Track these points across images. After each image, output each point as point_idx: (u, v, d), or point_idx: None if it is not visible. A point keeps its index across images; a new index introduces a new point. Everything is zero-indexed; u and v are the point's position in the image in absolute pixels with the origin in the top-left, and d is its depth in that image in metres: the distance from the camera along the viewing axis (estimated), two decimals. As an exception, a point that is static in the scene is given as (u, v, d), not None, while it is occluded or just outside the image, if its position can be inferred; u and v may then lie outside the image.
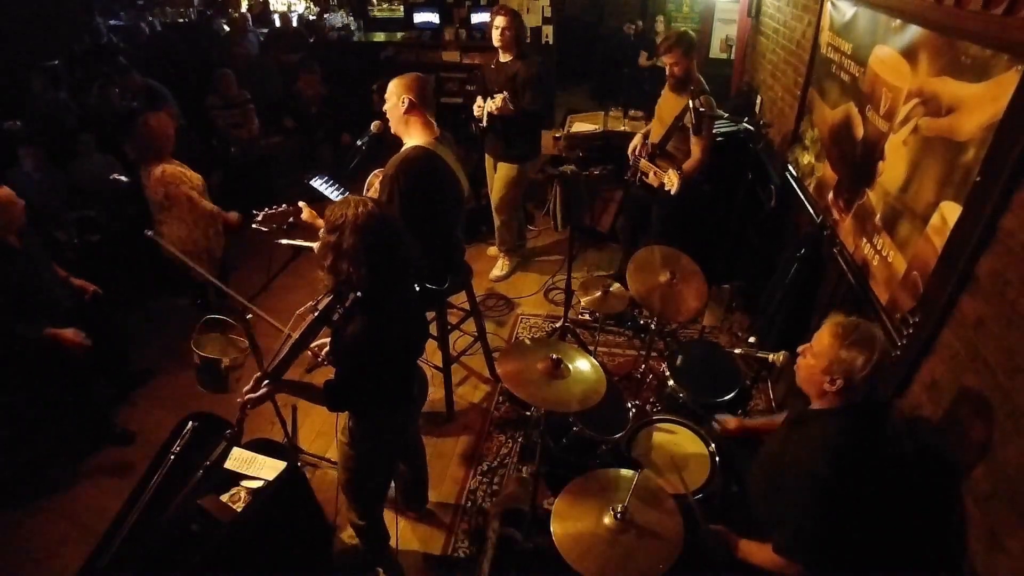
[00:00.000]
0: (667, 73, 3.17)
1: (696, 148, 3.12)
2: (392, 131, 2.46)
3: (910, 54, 2.00)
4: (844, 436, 1.51)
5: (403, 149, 2.37)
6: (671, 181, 2.92)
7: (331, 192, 2.70)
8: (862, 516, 1.55)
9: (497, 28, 3.48)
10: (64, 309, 2.65)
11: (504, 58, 3.57)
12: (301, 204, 2.36)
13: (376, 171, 2.54)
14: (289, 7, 9.42)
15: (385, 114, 2.42)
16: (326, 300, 1.70)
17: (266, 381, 1.70)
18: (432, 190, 2.39)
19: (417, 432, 2.32)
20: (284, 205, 2.33)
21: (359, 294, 1.62)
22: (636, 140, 3.47)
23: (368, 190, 2.52)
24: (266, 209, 2.30)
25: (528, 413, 2.87)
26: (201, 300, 3.67)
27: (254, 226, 2.30)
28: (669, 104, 3.24)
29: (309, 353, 1.91)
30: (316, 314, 1.71)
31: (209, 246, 3.36)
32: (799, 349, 1.64)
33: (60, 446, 2.85)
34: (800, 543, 1.52)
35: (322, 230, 1.61)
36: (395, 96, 2.36)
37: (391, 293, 1.66)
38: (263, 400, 1.72)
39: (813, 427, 1.59)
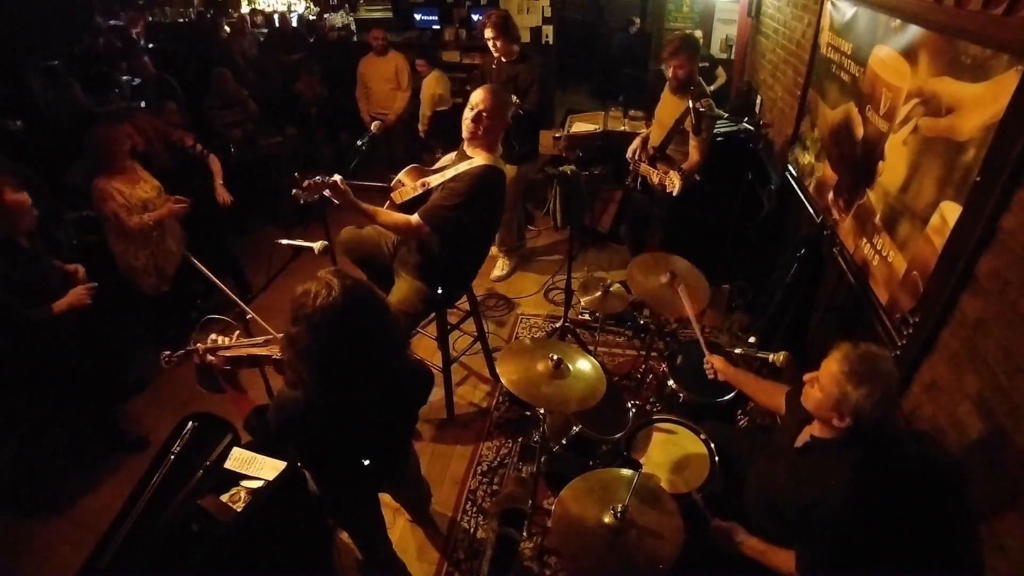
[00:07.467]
0: (670, 75, 3.18)
1: (694, 149, 3.13)
2: (467, 142, 2.35)
3: (910, 54, 2.00)
4: (862, 470, 1.48)
5: (477, 165, 2.29)
6: (672, 183, 2.92)
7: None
8: (874, 535, 1.56)
9: (488, 40, 3.53)
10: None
11: (506, 59, 3.59)
12: (336, 177, 2.23)
13: (410, 167, 2.47)
14: (289, 7, 9.41)
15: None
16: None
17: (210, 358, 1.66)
18: (495, 206, 2.44)
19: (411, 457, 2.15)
20: (320, 176, 2.17)
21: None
22: (635, 144, 3.48)
23: (400, 187, 2.43)
24: (310, 179, 2.14)
25: (528, 413, 2.87)
26: (201, 300, 3.67)
27: (295, 192, 2.15)
28: (669, 107, 3.24)
29: None
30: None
31: (158, 263, 3.24)
32: (806, 378, 1.58)
33: (71, 451, 2.85)
34: (821, 567, 1.53)
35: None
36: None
37: (343, 397, 1.46)
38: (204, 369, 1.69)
39: (827, 460, 1.55)
